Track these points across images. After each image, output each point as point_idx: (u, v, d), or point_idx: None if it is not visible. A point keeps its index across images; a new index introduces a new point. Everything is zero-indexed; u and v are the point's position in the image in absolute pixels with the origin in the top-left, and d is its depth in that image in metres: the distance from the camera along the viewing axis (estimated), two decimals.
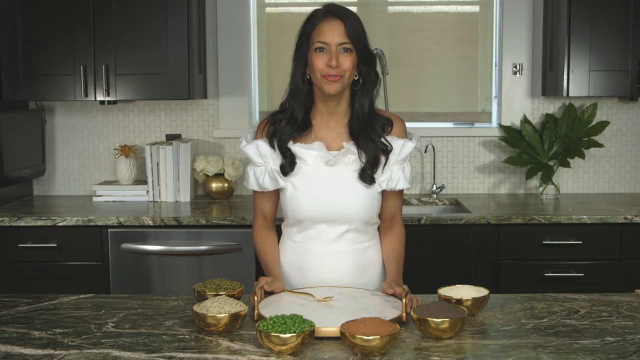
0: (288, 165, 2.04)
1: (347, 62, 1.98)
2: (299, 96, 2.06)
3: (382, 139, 2.05)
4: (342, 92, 2.03)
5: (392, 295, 1.92)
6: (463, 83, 3.86)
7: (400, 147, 2.06)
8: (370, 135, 2.04)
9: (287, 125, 2.06)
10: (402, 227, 2.17)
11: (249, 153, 2.09)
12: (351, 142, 2.05)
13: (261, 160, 2.08)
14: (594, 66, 3.38)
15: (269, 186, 2.07)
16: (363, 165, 2.03)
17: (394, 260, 2.11)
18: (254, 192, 2.15)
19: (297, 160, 2.04)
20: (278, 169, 2.05)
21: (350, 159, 2.04)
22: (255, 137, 2.12)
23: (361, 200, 2.04)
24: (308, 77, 2.04)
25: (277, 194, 2.13)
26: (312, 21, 2.03)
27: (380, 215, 2.14)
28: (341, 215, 2.04)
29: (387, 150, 2.04)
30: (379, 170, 2.04)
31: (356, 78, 2.04)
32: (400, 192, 2.14)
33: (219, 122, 3.80)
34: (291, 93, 2.07)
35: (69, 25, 3.35)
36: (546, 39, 3.62)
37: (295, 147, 2.04)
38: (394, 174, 2.06)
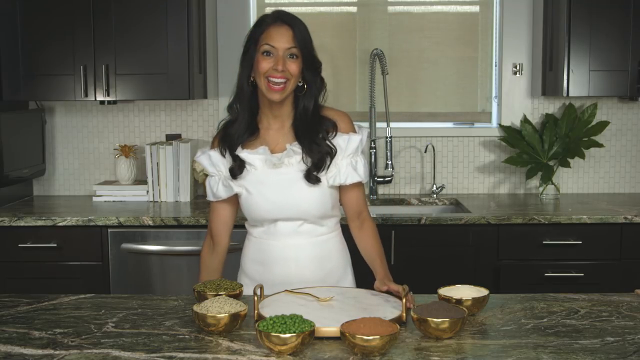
0: (237, 168, 2.11)
1: (293, 67, 2.03)
2: (244, 99, 2.10)
3: (327, 142, 2.08)
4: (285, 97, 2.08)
5: (387, 292, 1.93)
6: (463, 83, 3.86)
7: (346, 142, 2.09)
8: (314, 138, 2.07)
9: (235, 133, 2.12)
10: (372, 222, 2.20)
11: (203, 163, 2.17)
12: (295, 143, 2.09)
13: (214, 170, 2.16)
14: (594, 66, 3.38)
15: (223, 194, 2.15)
16: (308, 167, 2.06)
17: (376, 257, 2.14)
18: (210, 204, 2.23)
19: (247, 166, 2.10)
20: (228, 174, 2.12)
21: (296, 160, 2.08)
22: (211, 148, 2.19)
23: (310, 197, 2.08)
24: (252, 80, 2.08)
25: (234, 202, 2.20)
26: (261, 26, 2.08)
27: (346, 212, 2.19)
28: (294, 212, 2.09)
29: (332, 153, 2.07)
30: (324, 172, 2.08)
31: (300, 84, 2.09)
32: (359, 186, 2.16)
33: (219, 122, 3.79)
34: (237, 96, 2.12)
35: (69, 25, 3.35)
36: (546, 39, 3.62)
37: (243, 154, 2.10)
38: (343, 169, 2.09)
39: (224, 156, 2.13)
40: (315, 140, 2.06)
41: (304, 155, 2.07)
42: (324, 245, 2.14)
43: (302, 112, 2.09)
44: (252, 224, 2.20)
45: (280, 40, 2.03)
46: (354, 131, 2.13)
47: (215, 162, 2.14)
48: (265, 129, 2.13)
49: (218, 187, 2.15)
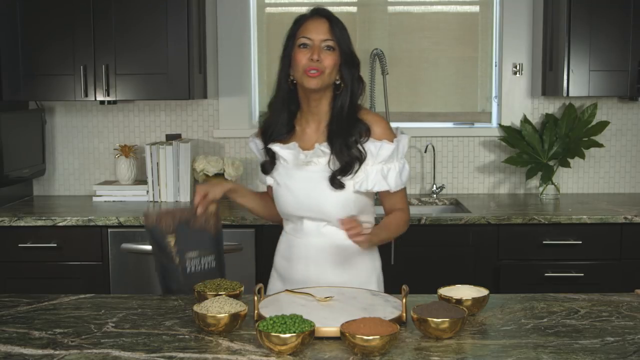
0: (268, 164, 2.16)
1: (328, 59, 2.02)
2: (284, 97, 2.11)
3: (358, 145, 2.05)
4: (324, 90, 2.06)
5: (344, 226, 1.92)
6: (463, 83, 3.86)
7: (378, 149, 2.05)
8: (345, 140, 2.05)
9: (273, 129, 2.13)
10: (402, 213, 2.15)
11: (253, 150, 2.24)
12: (325, 144, 2.07)
13: (261, 158, 2.21)
14: (594, 66, 3.38)
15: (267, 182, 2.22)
16: (334, 171, 2.05)
17: (384, 220, 2.13)
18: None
19: (278, 159, 2.13)
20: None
21: (324, 160, 2.07)
22: (257, 136, 2.23)
23: (333, 200, 2.06)
24: (292, 78, 2.08)
25: None
26: (299, 22, 2.08)
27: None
28: (316, 212, 2.09)
29: (360, 158, 2.05)
30: (350, 176, 2.05)
31: (338, 82, 2.07)
32: (395, 192, 2.11)
33: (219, 122, 3.80)
34: (276, 95, 2.13)
35: (69, 25, 3.35)
36: (546, 39, 3.62)
37: (275, 147, 2.12)
38: (371, 175, 2.06)
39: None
40: (346, 143, 2.04)
41: (332, 157, 2.05)
42: (347, 250, 2.09)
43: (338, 111, 2.07)
44: (284, 218, 2.21)
45: (316, 31, 2.03)
46: (390, 137, 2.08)
47: (260, 150, 2.20)
48: (302, 128, 2.13)
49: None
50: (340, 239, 2.07)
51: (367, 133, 2.06)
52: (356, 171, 2.05)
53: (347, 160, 2.03)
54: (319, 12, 2.07)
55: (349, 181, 2.05)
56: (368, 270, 2.16)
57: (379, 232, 2.07)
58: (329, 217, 2.07)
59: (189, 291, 1.98)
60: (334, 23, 2.05)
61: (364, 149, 2.05)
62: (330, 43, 2.03)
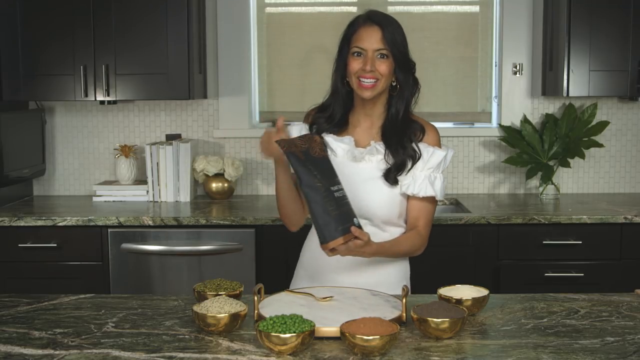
0: None
1: (382, 67, 2.05)
2: (339, 98, 2.13)
3: (413, 145, 2.08)
4: (378, 97, 2.09)
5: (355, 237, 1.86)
6: (463, 83, 3.86)
7: (429, 155, 2.08)
8: (401, 139, 2.08)
9: (325, 123, 2.14)
10: (419, 236, 2.10)
11: (292, 132, 2.14)
12: (380, 143, 2.09)
13: None
14: (594, 66, 3.38)
15: None
16: (389, 166, 2.06)
17: (396, 238, 2.09)
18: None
19: (329, 150, 2.09)
20: None
21: (377, 158, 2.09)
22: (303, 121, 2.20)
23: (380, 198, 2.07)
24: (347, 80, 2.11)
25: None
26: (353, 26, 2.10)
27: (407, 219, 2.14)
28: (361, 210, 2.04)
29: (415, 157, 2.07)
30: (404, 174, 2.07)
31: (394, 84, 2.10)
32: (427, 201, 2.11)
33: (219, 122, 3.80)
34: (332, 94, 2.15)
35: (69, 25, 3.35)
36: (546, 39, 3.62)
37: (328, 138, 2.11)
38: (419, 180, 2.07)
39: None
40: (401, 143, 2.07)
41: (386, 155, 2.07)
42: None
43: (394, 115, 2.10)
44: None
45: (369, 41, 2.05)
46: (439, 146, 2.13)
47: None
48: (354, 125, 2.14)
49: None
50: (377, 240, 2.02)
51: (422, 133, 2.11)
52: (409, 170, 2.07)
53: (402, 158, 2.06)
54: (372, 19, 2.08)
55: (401, 178, 2.06)
56: (399, 274, 2.17)
57: (388, 249, 2.03)
58: (371, 216, 2.07)
59: (343, 220, 1.82)
60: (387, 29, 2.05)
61: (418, 148, 2.08)
62: (384, 52, 2.05)
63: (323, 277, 2.13)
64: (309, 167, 1.85)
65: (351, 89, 2.12)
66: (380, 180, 2.07)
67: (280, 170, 2.08)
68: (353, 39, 2.08)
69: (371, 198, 2.06)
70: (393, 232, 2.12)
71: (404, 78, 2.09)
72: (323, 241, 1.82)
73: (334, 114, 2.14)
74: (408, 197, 2.11)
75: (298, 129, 2.16)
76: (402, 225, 2.15)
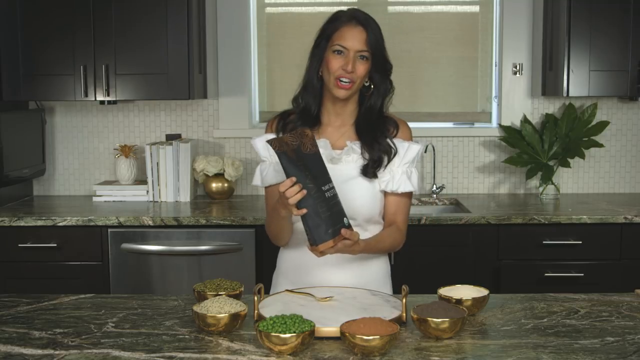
0: None
1: (361, 69, 2.02)
2: (312, 92, 2.09)
3: (388, 140, 2.07)
4: (350, 96, 2.07)
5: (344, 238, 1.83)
6: (463, 83, 3.86)
7: (405, 150, 2.08)
8: (375, 136, 2.07)
9: (298, 120, 2.10)
10: (399, 233, 2.08)
11: (257, 146, 2.11)
12: (355, 142, 2.07)
13: (267, 154, 2.09)
14: (594, 66, 3.38)
15: (272, 180, 2.07)
16: (366, 162, 2.05)
17: (379, 233, 2.06)
18: (264, 189, 2.15)
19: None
20: None
21: (354, 158, 2.07)
22: (266, 132, 2.16)
23: (362, 196, 2.05)
24: (321, 74, 2.07)
25: None
26: (335, 23, 2.05)
27: (383, 216, 2.13)
28: (345, 209, 1.98)
29: (390, 153, 2.06)
30: (381, 170, 2.06)
31: (367, 84, 2.08)
32: (404, 196, 2.10)
33: (219, 122, 3.80)
34: (304, 88, 2.11)
35: (69, 25, 3.35)
36: (546, 39, 3.62)
37: None
38: (397, 176, 2.07)
39: None
40: (376, 139, 2.06)
41: (362, 152, 2.06)
42: (363, 255, 2.04)
43: (367, 111, 2.09)
44: (297, 218, 2.07)
45: (353, 41, 2.01)
46: (414, 142, 2.12)
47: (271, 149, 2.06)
48: (325, 124, 2.12)
49: (268, 172, 2.09)
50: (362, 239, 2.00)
51: (395, 129, 2.10)
52: (386, 165, 2.05)
53: (378, 154, 2.05)
54: (357, 18, 2.03)
55: (379, 174, 2.05)
56: (383, 272, 2.16)
57: (373, 246, 2.01)
58: (356, 215, 2.04)
59: (334, 222, 1.79)
60: (371, 31, 2.03)
61: (393, 143, 2.07)
62: (365, 53, 2.02)
63: (309, 280, 2.07)
64: (300, 166, 1.81)
65: (322, 85, 2.08)
66: (360, 178, 2.05)
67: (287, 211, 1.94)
68: (335, 36, 2.03)
69: (353, 197, 2.04)
70: (373, 231, 2.10)
71: (380, 79, 2.08)
72: (313, 243, 1.80)
73: (308, 107, 2.10)
74: (385, 193, 2.10)
75: (262, 142, 2.08)
76: (381, 222, 2.13)
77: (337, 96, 2.04)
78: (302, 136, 1.85)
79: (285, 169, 1.81)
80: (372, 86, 2.09)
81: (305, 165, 1.81)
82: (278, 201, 1.88)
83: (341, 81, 2.02)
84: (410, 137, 2.13)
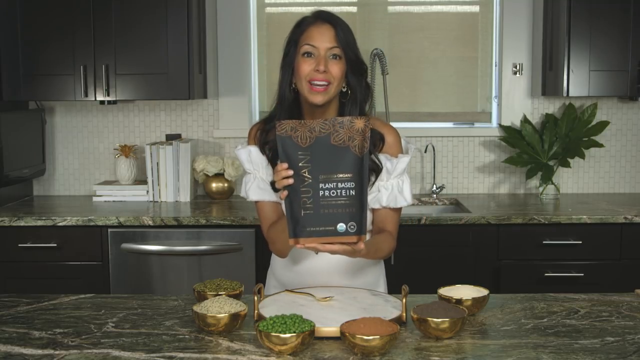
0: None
1: (335, 68, 1.91)
2: (286, 106, 1.97)
3: (373, 157, 1.93)
4: (329, 103, 1.95)
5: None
6: (463, 83, 3.86)
7: (394, 165, 1.96)
8: None
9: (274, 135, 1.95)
10: (391, 239, 1.99)
11: (241, 157, 2.03)
12: None
13: (251, 167, 2.02)
14: (594, 66, 3.38)
15: (254, 197, 2.01)
16: None
17: (372, 238, 1.98)
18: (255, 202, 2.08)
19: None
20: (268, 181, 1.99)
21: None
22: (248, 143, 2.05)
23: None
24: (294, 86, 1.96)
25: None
26: (301, 27, 1.96)
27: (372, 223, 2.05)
28: None
29: (377, 170, 1.95)
30: (368, 187, 1.91)
31: (344, 90, 1.96)
32: (395, 210, 2.02)
33: (219, 122, 3.80)
34: (280, 103, 1.99)
35: (69, 25, 3.35)
36: (546, 39, 3.62)
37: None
38: (387, 192, 1.96)
39: (264, 156, 1.98)
40: None
41: None
42: (357, 259, 1.95)
43: None
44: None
45: (321, 39, 1.90)
46: (401, 149, 2.00)
47: (254, 160, 2.00)
48: None
49: (251, 187, 2.01)
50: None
51: (381, 141, 1.97)
52: (373, 183, 1.95)
53: None
54: (322, 17, 1.93)
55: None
56: (376, 273, 2.13)
57: (373, 253, 1.91)
58: None
59: (316, 222, 1.68)
60: (340, 28, 1.91)
61: (379, 160, 1.95)
62: (337, 51, 1.90)
63: (295, 280, 2.05)
64: (302, 155, 1.68)
65: (297, 97, 1.96)
66: None
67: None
68: (302, 38, 1.92)
69: None
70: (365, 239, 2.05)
71: (357, 82, 1.95)
72: (289, 234, 1.69)
73: None
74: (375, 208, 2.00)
75: (246, 154, 2.01)
76: (369, 230, 2.03)
77: (313, 103, 1.91)
78: (342, 126, 1.70)
79: (280, 153, 1.71)
80: (349, 91, 1.96)
81: (312, 154, 1.69)
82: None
83: (314, 84, 1.89)
84: (398, 145, 2.01)
